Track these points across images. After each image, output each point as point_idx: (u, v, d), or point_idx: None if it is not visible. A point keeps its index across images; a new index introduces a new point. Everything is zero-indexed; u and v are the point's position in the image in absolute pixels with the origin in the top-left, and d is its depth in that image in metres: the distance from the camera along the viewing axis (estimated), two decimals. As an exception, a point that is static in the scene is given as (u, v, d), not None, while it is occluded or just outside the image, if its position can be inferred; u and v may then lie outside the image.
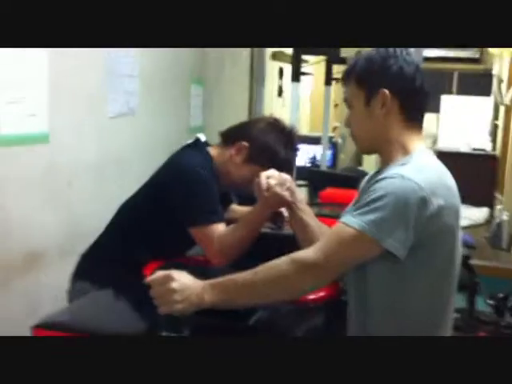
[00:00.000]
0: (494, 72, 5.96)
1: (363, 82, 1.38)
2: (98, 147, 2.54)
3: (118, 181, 2.64)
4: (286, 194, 1.57)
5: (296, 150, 1.90)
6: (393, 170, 1.29)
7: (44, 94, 2.12)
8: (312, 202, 2.52)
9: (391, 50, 1.39)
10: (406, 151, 1.36)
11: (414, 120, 1.39)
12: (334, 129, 5.93)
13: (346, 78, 1.43)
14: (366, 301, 1.31)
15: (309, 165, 4.33)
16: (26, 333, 2.15)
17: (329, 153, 4.38)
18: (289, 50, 4.74)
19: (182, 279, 1.25)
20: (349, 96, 1.42)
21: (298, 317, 1.42)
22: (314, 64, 4.27)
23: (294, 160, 1.96)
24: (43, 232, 2.23)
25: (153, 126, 2.98)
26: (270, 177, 1.59)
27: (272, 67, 4.77)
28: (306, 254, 1.26)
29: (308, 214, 1.59)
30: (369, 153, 1.48)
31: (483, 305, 3.86)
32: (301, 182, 3.12)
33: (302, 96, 5.05)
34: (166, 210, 1.74)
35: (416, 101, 1.39)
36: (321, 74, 4.75)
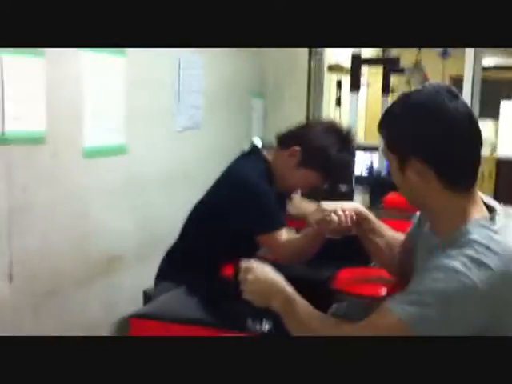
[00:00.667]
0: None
1: (393, 148, 1.23)
2: (167, 159, 2.70)
3: (185, 190, 2.79)
4: (336, 234, 1.55)
5: (353, 152, 1.89)
6: (449, 259, 1.11)
7: (121, 109, 2.30)
8: (376, 207, 2.60)
9: (423, 104, 1.19)
10: (454, 223, 1.18)
11: (458, 186, 1.19)
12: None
13: (379, 130, 1.29)
14: None
15: (366, 174, 4.38)
16: (104, 329, 2.33)
17: (385, 161, 4.42)
18: (345, 63, 4.83)
19: (260, 273, 1.29)
20: (383, 150, 1.30)
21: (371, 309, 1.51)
22: (371, 74, 4.34)
23: (352, 162, 1.97)
24: (120, 238, 2.40)
25: (216, 139, 3.12)
26: (319, 221, 1.54)
27: (330, 79, 4.87)
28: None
29: (375, 232, 1.54)
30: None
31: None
32: (361, 189, 3.20)
33: (359, 106, 5.11)
34: (231, 220, 1.82)
35: (457, 165, 1.18)
36: (376, 83, 4.81)
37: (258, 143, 1.97)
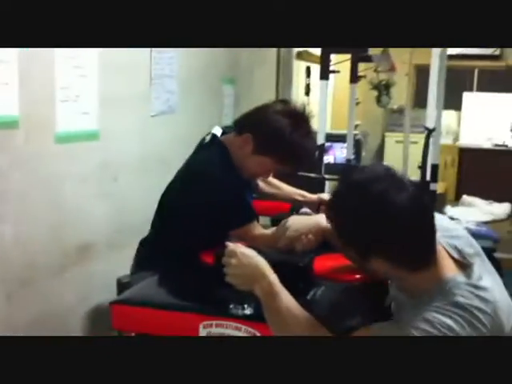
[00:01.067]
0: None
1: (349, 247, 1.27)
2: (140, 144, 2.68)
3: (158, 176, 2.76)
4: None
5: (309, 134, 1.78)
6: (440, 315, 1.13)
7: (94, 94, 2.27)
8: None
9: (370, 205, 1.17)
10: (426, 287, 1.21)
11: (422, 266, 1.21)
12: (356, 126, 6.04)
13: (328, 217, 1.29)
14: None
15: (332, 161, 4.43)
16: (78, 317, 2.31)
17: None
18: (313, 50, 4.84)
19: (244, 258, 1.30)
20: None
21: (351, 293, 1.54)
22: (339, 63, 4.37)
23: (309, 143, 1.79)
24: (93, 225, 2.38)
25: (189, 124, 3.11)
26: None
27: (299, 66, 4.88)
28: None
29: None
30: None
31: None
32: (333, 177, 3.25)
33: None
34: (202, 216, 1.77)
35: (416, 254, 1.20)
36: (343, 72, 4.85)
37: (217, 132, 1.91)
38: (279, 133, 1.71)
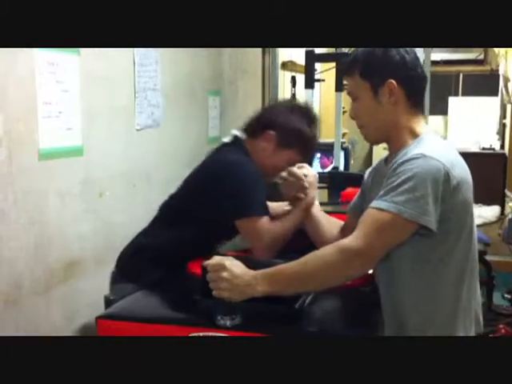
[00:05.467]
0: (501, 72, 6.07)
1: (368, 75, 1.45)
2: (126, 159, 2.66)
3: (145, 190, 2.75)
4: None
5: (316, 124, 2.00)
6: (413, 152, 1.36)
7: (77, 109, 2.25)
8: (334, 202, 2.64)
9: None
10: (414, 134, 1.45)
11: (418, 105, 1.49)
12: (344, 135, 6.04)
13: (347, 71, 1.50)
14: (398, 276, 1.38)
15: (321, 170, 4.42)
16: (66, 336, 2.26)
17: (342, 155, 4.46)
18: (298, 60, 4.85)
19: (233, 269, 1.32)
20: (353, 88, 1.50)
21: (338, 300, 1.53)
22: (324, 71, 4.38)
23: (317, 137, 2.04)
24: (79, 242, 2.34)
25: (175, 137, 3.09)
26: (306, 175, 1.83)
27: (284, 76, 4.88)
28: (350, 243, 1.31)
29: (319, 211, 1.81)
30: (377, 142, 1.57)
31: (500, 299, 3.93)
32: (321, 185, 3.23)
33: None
34: (210, 207, 1.83)
35: (420, 87, 1.49)
36: (329, 81, 4.86)
37: (239, 134, 2.01)
38: (301, 129, 1.92)
